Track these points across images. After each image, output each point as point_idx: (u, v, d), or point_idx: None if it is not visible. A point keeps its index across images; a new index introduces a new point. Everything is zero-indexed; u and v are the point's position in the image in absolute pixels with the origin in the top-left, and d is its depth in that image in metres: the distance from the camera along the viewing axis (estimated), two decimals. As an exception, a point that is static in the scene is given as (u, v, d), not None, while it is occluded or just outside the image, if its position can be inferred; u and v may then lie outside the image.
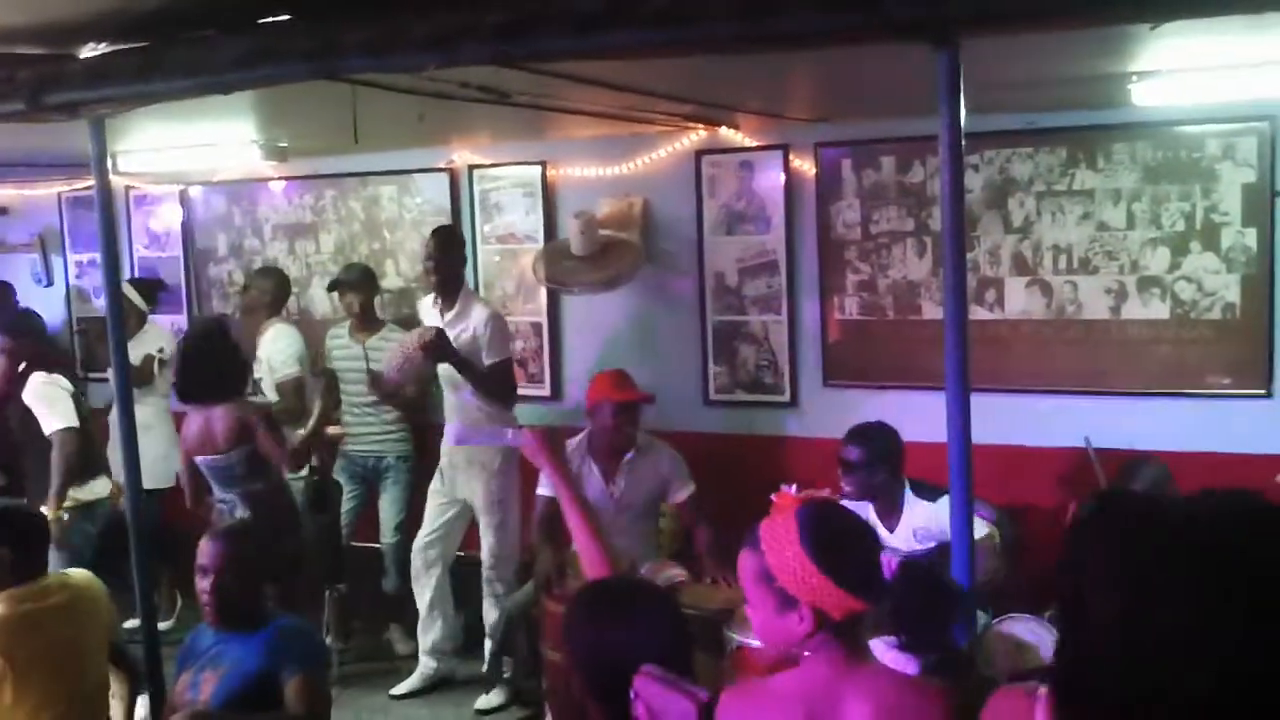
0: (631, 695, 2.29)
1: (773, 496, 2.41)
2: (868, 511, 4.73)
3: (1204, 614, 1.04)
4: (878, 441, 4.69)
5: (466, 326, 5.62)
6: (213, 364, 5.18)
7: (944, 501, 4.30)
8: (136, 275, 7.71)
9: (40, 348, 6.02)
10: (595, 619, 2.53)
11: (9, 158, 6.61)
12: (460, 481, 5.76)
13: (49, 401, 5.68)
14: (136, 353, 6.34)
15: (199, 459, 5.16)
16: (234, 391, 5.22)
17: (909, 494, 4.68)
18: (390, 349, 5.74)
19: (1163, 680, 1.04)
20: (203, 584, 3.51)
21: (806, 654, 2.30)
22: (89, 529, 5.75)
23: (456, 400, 5.73)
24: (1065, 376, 5.44)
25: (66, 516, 5.62)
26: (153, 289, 7.26)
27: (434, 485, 5.88)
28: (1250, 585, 1.04)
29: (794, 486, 2.42)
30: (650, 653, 2.37)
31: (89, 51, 3.35)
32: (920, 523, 4.55)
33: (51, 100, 3.42)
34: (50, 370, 5.88)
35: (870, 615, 2.32)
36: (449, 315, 5.69)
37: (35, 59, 3.42)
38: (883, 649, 2.62)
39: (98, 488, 5.86)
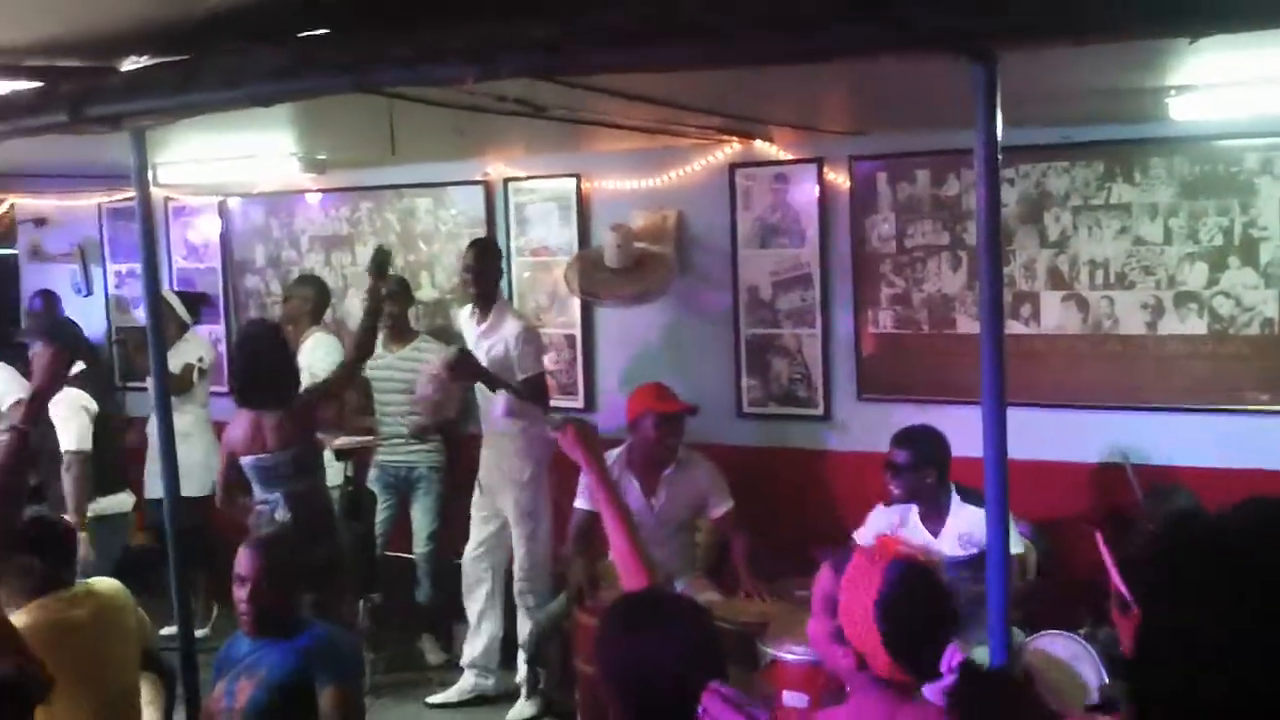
0: (700, 712, 2.28)
1: (880, 536, 2.38)
2: (911, 515, 4.73)
3: (1217, 617, 1.03)
4: (925, 444, 4.69)
5: (499, 340, 5.65)
6: (272, 369, 5.25)
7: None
8: (175, 286, 7.77)
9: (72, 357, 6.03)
10: (628, 630, 2.52)
11: (50, 169, 6.69)
12: (496, 493, 5.78)
13: (65, 419, 5.62)
14: (176, 362, 6.40)
15: (246, 459, 5.20)
16: (289, 396, 5.29)
17: (955, 498, 4.68)
18: (423, 369, 5.78)
19: (1177, 684, 1.04)
20: (240, 593, 3.52)
21: (851, 689, 2.30)
22: (112, 542, 5.77)
23: (491, 409, 5.76)
24: (1101, 392, 5.40)
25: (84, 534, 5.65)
26: (196, 302, 7.32)
27: (475, 498, 5.92)
28: (1264, 589, 1.03)
29: (900, 535, 2.38)
30: (683, 665, 2.36)
31: (130, 64, 3.38)
32: (965, 527, 4.54)
33: (93, 112, 3.45)
34: (81, 381, 5.79)
35: None
36: (482, 327, 5.72)
37: (77, 71, 3.46)
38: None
39: (122, 501, 5.91)
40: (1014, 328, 5.34)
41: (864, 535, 4.70)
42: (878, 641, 2.23)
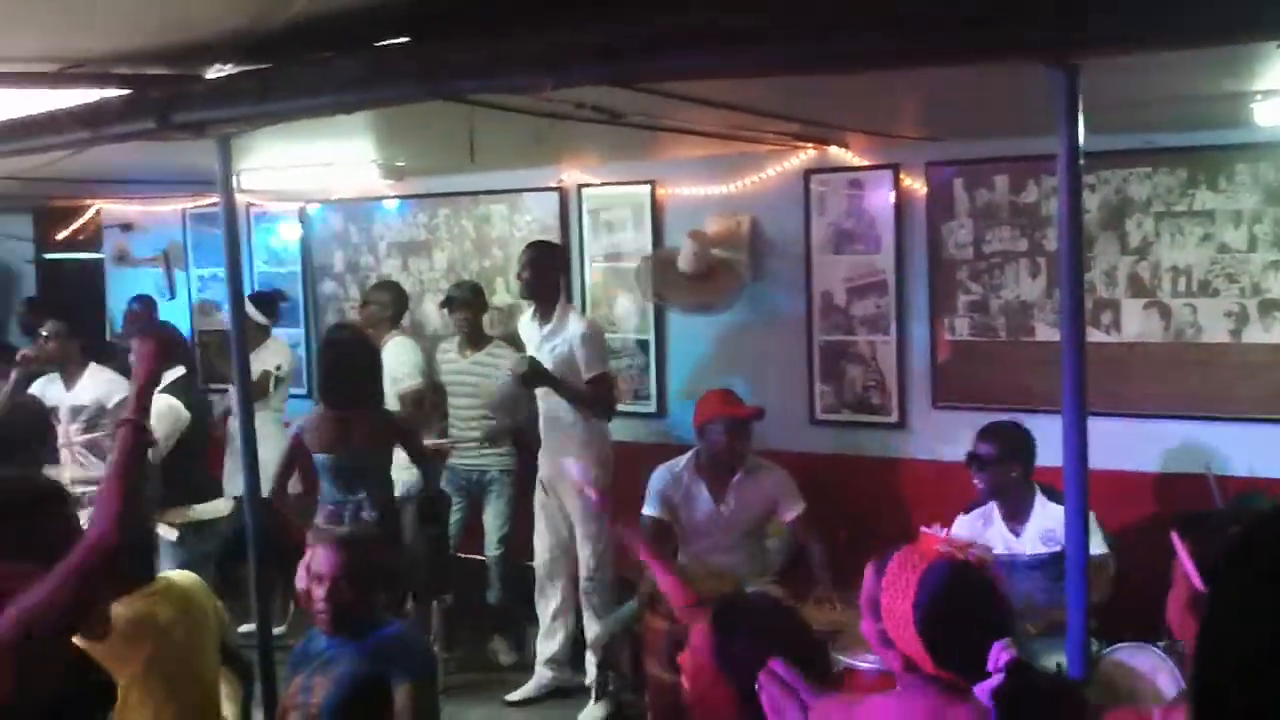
0: (757, 688, 2.28)
1: (923, 528, 2.32)
2: (994, 514, 4.71)
3: (1259, 627, 1.01)
4: (1010, 439, 4.69)
5: (564, 340, 5.69)
6: (360, 371, 5.40)
7: None
8: (256, 289, 7.88)
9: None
10: (744, 632, 2.52)
11: (136, 174, 6.82)
12: (562, 492, 5.81)
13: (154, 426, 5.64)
14: (254, 368, 6.45)
15: (324, 456, 5.26)
16: (376, 398, 5.44)
17: (1040, 496, 4.65)
18: (497, 377, 5.86)
19: (1223, 696, 1.02)
20: (318, 591, 3.56)
21: (900, 689, 2.28)
22: (206, 548, 5.75)
23: (547, 408, 5.80)
24: (1184, 401, 5.30)
25: (176, 535, 5.64)
26: (272, 302, 7.39)
27: (539, 498, 5.95)
28: None
29: (945, 531, 2.31)
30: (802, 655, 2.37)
31: (215, 72, 3.46)
32: (1051, 524, 4.51)
33: (180, 119, 3.53)
34: (176, 388, 5.78)
35: None
36: (546, 328, 5.76)
37: (164, 79, 3.54)
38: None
39: (216, 507, 5.89)
40: (1094, 335, 5.25)
41: None
42: (920, 648, 2.18)
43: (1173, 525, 2.17)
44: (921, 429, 5.95)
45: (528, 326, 5.95)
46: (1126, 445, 5.17)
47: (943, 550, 2.23)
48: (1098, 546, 4.51)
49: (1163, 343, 5.34)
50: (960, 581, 2.21)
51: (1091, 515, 4.53)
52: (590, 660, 5.76)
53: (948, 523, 2.55)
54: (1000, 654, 2.02)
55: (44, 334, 6.39)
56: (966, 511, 4.83)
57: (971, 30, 2.33)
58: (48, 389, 6.40)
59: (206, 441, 6.03)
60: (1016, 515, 4.71)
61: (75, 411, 6.12)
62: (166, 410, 5.64)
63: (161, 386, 5.58)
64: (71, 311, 6.77)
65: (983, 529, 4.73)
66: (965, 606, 2.20)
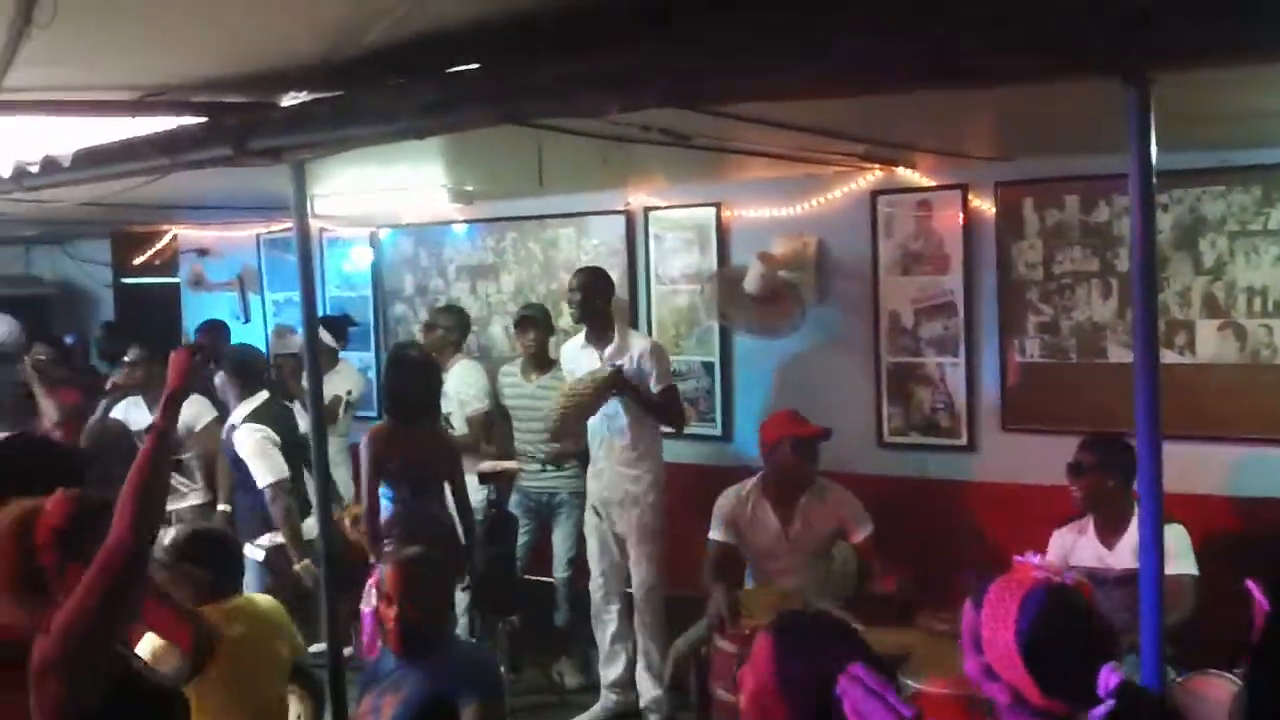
0: (838, 692, 2.24)
1: (1016, 558, 2.29)
2: (1088, 526, 4.70)
3: None
4: (1111, 450, 4.65)
5: (629, 358, 5.73)
6: (427, 387, 5.57)
7: (1176, 528, 4.22)
8: (326, 313, 7.97)
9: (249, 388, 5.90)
10: (804, 649, 2.50)
11: (212, 200, 6.95)
12: (615, 515, 5.83)
13: (258, 455, 5.60)
14: (326, 392, 6.50)
15: (394, 465, 5.31)
16: (437, 416, 5.61)
17: (1139, 513, 4.59)
18: (562, 397, 5.80)
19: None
20: (387, 612, 3.59)
21: None
22: (291, 569, 5.64)
23: (597, 427, 5.84)
24: (1259, 424, 5.20)
25: (263, 555, 5.57)
26: (341, 326, 7.46)
27: (589, 522, 5.98)
28: None
29: (1038, 557, 2.27)
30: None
31: (290, 99, 3.52)
32: None
33: (255, 145, 3.60)
34: (262, 413, 5.78)
35: None
36: (608, 350, 5.79)
37: (241, 107, 3.61)
38: None
39: (307, 527, 5.65)
40: (1167, 357, 5.16)
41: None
42: (1027, 677, 2.15)
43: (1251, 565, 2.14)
44: (991, 452, 5.89)
45: (578, 354, 5.96)
46: (1201, 469, 5.08)
47: (1038, 578, 2.21)
48: (1186, 567, 4.45)
49: (1238, 364, 5.25)
50: (1060, 605, 2.19)
51: (1185, 534, 4.50)
52: (641, 678, 5.79)
53: (1024, 547, 2.52)
54: (1109, 677, 1.99)
55: (128, 360, 6.52)
56: (1062, 525, 4.81)
57: (1041, 45, 2.31)
58: (130, 412, 6.52)
59: (303, 457, 5.74)
60: (1112, 529, 4.66)
61: None
62: (261, 441, 5.62)
63: (245, 415, 5.69)
64: (151, 335, 6.89)
65: (1075, 541, 4.72)
66: (1068, 630, 2.17)
